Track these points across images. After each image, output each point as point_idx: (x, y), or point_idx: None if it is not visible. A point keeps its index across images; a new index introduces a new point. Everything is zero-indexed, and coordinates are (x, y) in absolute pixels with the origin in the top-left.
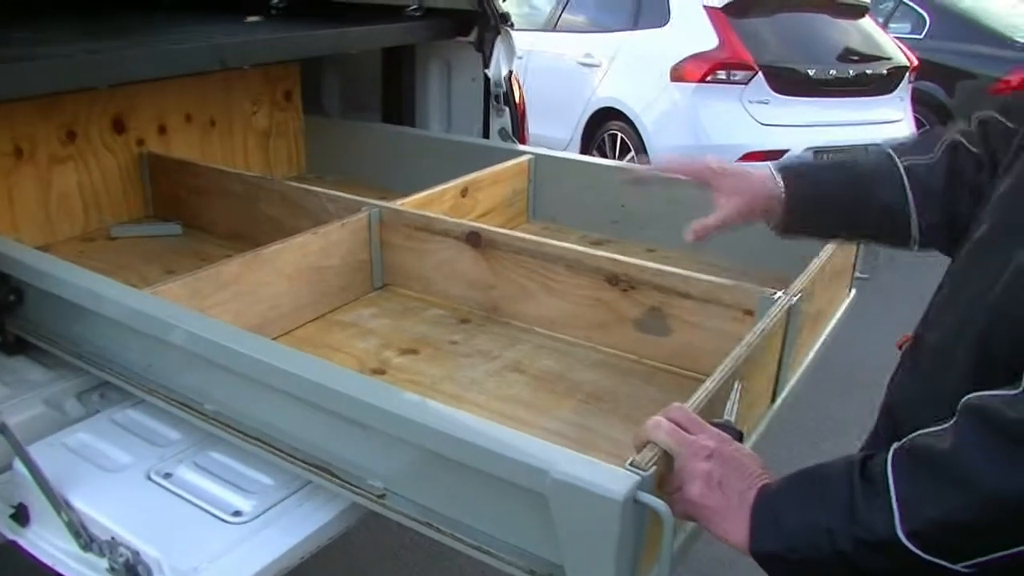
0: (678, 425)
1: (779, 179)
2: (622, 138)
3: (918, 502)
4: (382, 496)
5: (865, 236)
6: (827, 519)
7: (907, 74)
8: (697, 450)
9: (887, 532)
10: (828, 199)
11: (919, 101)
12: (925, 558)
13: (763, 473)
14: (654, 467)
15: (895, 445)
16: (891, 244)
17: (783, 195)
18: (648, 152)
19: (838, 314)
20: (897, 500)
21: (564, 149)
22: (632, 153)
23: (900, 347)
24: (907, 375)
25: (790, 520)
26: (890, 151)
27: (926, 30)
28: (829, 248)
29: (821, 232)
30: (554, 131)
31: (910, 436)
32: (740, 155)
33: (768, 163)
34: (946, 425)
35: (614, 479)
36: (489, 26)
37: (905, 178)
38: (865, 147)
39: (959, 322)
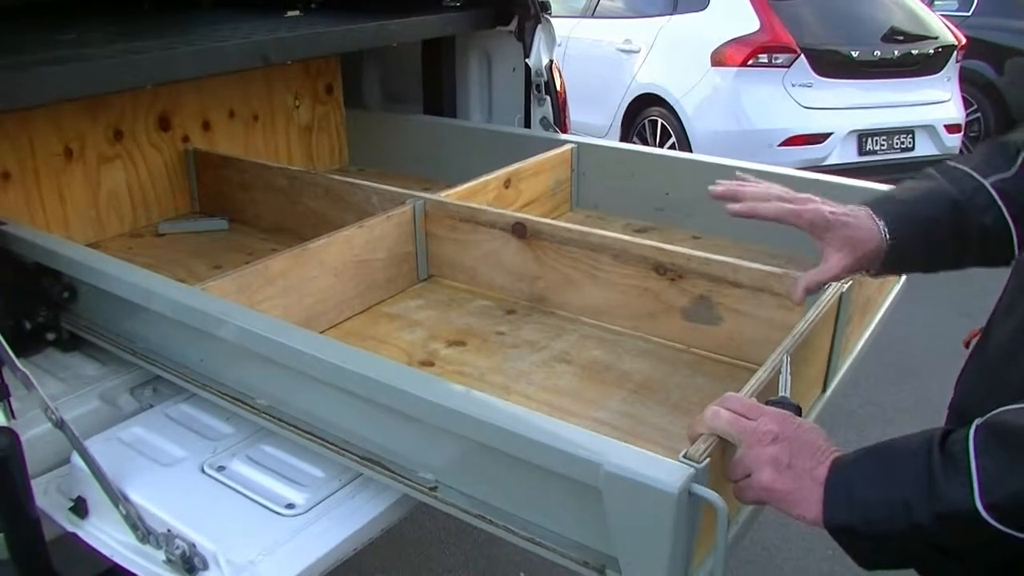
0: (736, 413)
1: (883, 227)
2: (663, 124)
3: (998, 475)
4: (434, 488)
5: (967, 264)
6: (904, 492)
7: (955, 53)
8: (761, 436)
9: (966, 505)
10: (934, 238)
11: (967, 80)
12: (1004, 531)
13: (830, 446)
14: (708, 459)
15: (977, 420)
16: (993, 264)
17: (888, 243)
18: (689, 138)
19: (888, 301)
20: (977, 473)
21: (604, 136)
22: (673, 139)
23: (967, 344)
24: (974, 371)
25: (865, 493)
26: (970, 171)
27: (974, 7)
28: None
29: (924, 268)
30: (593, 118)
31: (993, 412)
32: (783, 139)
33: (866, 207)
34: None
35: (668, 472)
36: (529, 15)
37: (998, 199)
38: (940, 171)
39: None
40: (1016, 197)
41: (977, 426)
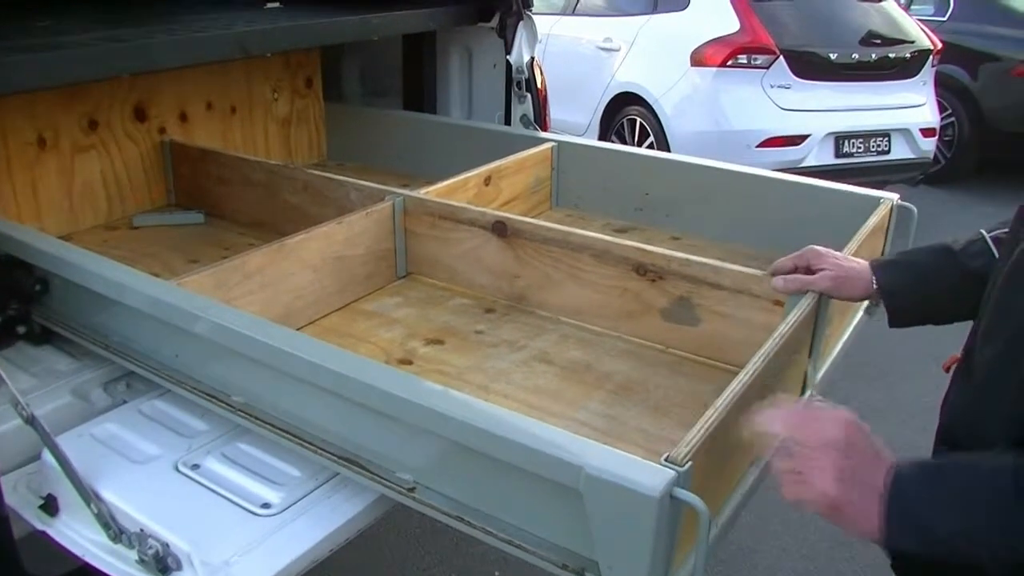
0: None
1: (871, 267)
2: (641, 123)
3: None
4: (412, 489)
5: (969, 312)
6: (975, 527)
7: (930, 57)
8: (828, 441)
9: None
10: (929, 284)
11: (942, 85)
12: None
13: (884, 451)
14: (690, 463)
15: None
16: None
17: (877, 283)
18: (668, 138)
19: (865, 304)
20: None
21: (582, 134)
22: (651, 139)
23: (947, 369)
24: (960, 396)
25: (931, 519)
26: (983, 230)
27: (949, 12)
28: (858, 238)
29: (930, 316)
30: (572, 116)
31: None
32: (761, 140)
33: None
34: None
35: (650, 475)
36: (511, 11)
37: (992, 246)
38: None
39: (1014, 335)
40: None
41: None
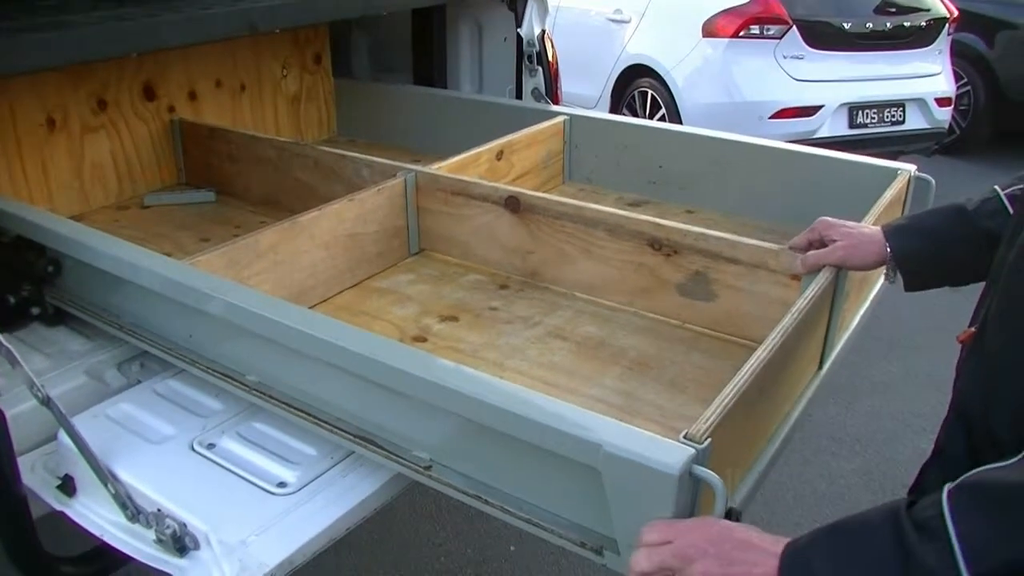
0: (654, 544)
1: (882, 232)
2: (652, 95)
3: (986, 540)
4: (428, 467)
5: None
6: (875, 569)
7: (946, 26)
8: (685, 554)
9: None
10: (942, 247)
11: (958, 54)
12: None
13: (769, 538)
14: (709, 440)
15: (948, 485)
16: None
17: (890, 247)
18: (680, 110)
19: (885, 269)
20: (960, 541)
21: (593, 107)
22: (663, 111)
23: (961, 341)
24: (971, 376)
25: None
26: (996, 187)
27: None
28: (875, 210)
29: (946, 279)
30: (583, 88)
31: (967, 475)
32: (774, 111)
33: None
34: (1013, 460)
35: (669, 453)
36: None
37: (1007, 204)
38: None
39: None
40: None
41: (950, 490)
